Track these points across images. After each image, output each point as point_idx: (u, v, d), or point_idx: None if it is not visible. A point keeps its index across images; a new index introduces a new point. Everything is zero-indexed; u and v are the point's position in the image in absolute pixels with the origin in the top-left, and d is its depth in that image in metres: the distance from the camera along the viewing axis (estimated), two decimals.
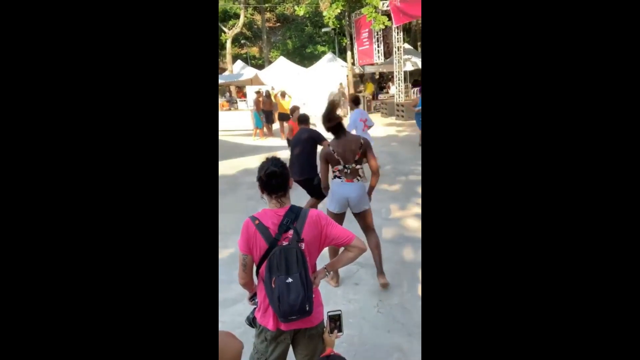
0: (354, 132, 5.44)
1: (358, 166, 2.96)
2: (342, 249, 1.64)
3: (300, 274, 1.43)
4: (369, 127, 5.84)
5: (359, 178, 2.97)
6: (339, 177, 2.99)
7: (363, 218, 3.08)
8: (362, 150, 2.92)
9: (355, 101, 5.71)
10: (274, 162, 1.54)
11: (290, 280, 1.42)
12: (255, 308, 1.67)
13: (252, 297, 1.71)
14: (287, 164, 1.77)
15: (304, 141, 4.22)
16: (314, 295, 1.53)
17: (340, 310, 1.62)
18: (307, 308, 1.45)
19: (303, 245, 1.49)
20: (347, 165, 2.93)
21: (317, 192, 3.98)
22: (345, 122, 3.63)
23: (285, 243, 1.48)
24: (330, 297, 2.98)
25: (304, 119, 4.62)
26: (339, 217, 3.07)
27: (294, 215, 1.51)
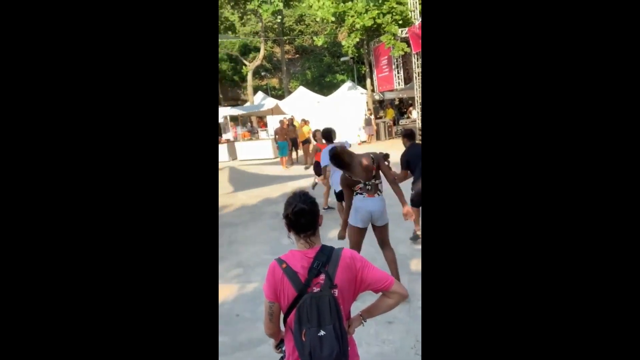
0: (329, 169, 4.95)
1: (377, 181, 3.10)
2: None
3: (334, 326, 1.25)
4: None
5: (379, 193, 3.12)
6: (361, 194, 3.10)
7: (382, 232, 3.24)
8: (376, 164, 3.02)
9: (325, 136, 4.91)
10: (301, 198, 1.40)
11: (323, 333, 1.25)
12: (282, 357, 1.50)
13: (279, 345, 1.54)
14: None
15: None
16: (349, 347, 1.35)
17: None
18: None
19: (336, 292, 1.32)
20: (367, 183, 3.06)
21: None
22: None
23: (316, 289, 1.31)
24: (362, 338, 2.75)
25: (409, 134, 4.28)
26: (362, 232, 3.21)
27: (325, 257, 1.35)
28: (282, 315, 1.41)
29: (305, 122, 11.61)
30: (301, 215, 1.35)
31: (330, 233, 5.00)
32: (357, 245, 3.22)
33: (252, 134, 16.51)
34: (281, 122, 11.83)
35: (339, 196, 5.00)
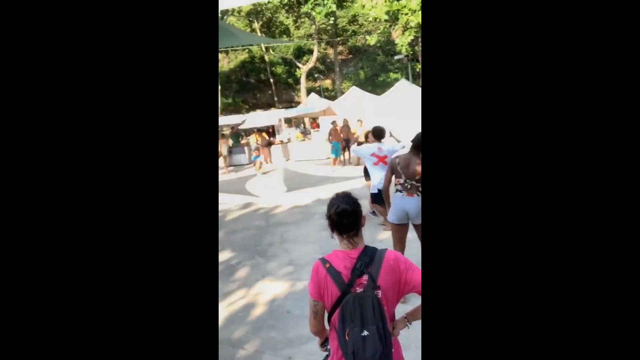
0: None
1: (418, 184, 3.10)
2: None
3: (377, 327, 1.26)
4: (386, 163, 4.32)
5: (419, 193, 3.11)
6: (400, 191, 3.16)
7: (421, 230, 3.23)
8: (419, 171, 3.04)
9: (376, 134, 4.56)
10: (344, 198, 1.42)
11: (366, 333, 1.25)
12: (327, 355, 1.52)
13: (324, 343, 1.57)
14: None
15: None
16: (393, 349, 1.34)
17: None
18: None
19: (379, 293, 1.32)
20: (407, 180, 3.10)
21: None
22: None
23: (359, 290, 1.32)
24: (410, 340, 2.69)
25: None
26: (400, 228, 3.24)
27: (368, 258, 1.35)
28: (326, 314, 1.44)
29: (360, 122, 11.60)
30: (344, 215, 1.37)
31: (379, 235, 4.96)
32: (399, 241, 3.26)
33: (305, 135, 16.77)
34: (334, 123, 11.91)
35: (375, 198, 4.80)
